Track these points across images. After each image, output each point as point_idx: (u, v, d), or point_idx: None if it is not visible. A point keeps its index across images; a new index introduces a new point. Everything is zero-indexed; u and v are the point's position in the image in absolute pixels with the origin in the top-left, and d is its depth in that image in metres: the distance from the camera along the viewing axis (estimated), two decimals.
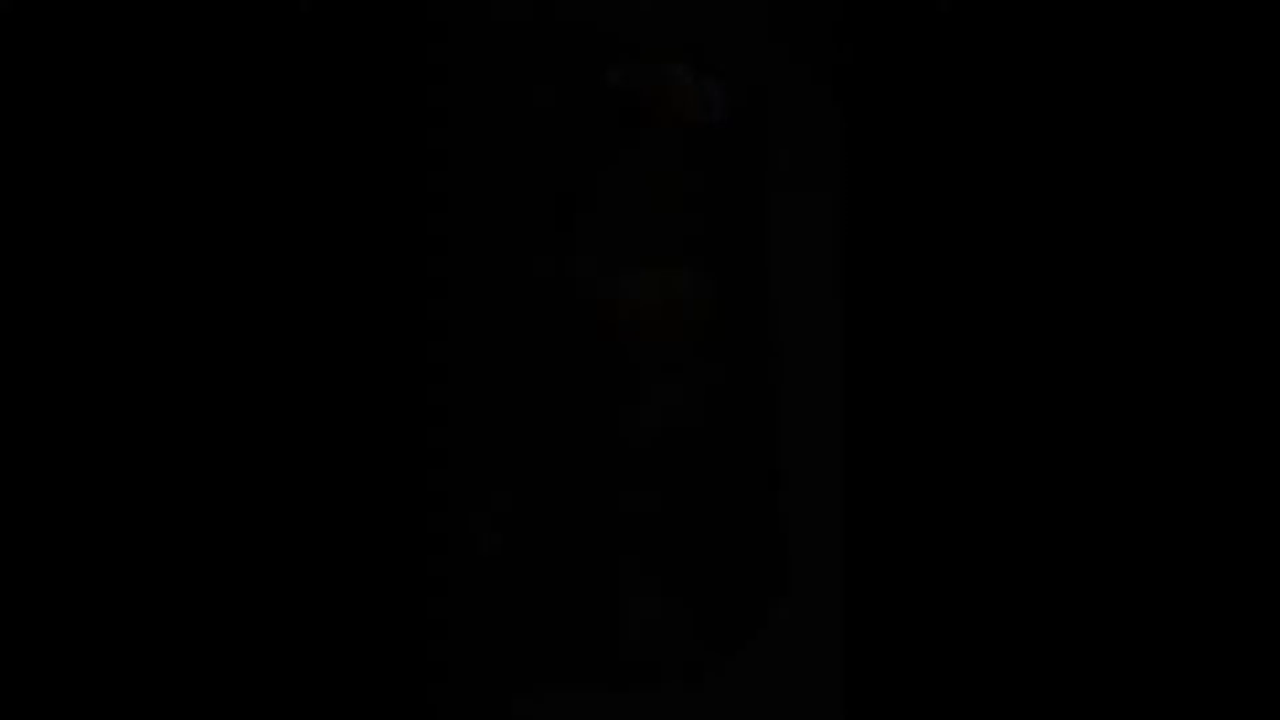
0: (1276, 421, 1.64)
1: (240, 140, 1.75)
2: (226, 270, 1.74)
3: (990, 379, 1.69)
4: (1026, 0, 1.68)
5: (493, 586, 1.87)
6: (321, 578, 1.75)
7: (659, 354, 1.88)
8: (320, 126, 1.77)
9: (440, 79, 1.83)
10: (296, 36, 1.76)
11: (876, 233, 1.72)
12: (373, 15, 1.78)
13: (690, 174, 1.89)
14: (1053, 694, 1.66)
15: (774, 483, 1.91)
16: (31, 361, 1.70)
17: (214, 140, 1.74)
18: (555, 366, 1.88)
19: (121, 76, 1.73)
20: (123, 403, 1.71)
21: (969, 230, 1.70)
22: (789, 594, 1.89)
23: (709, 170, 1.89)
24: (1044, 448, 1.67)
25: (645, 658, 1.86)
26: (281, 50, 1.75)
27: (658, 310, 1.87)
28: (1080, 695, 1.65)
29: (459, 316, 1.86)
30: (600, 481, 1.87)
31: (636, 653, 1.86)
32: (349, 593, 1.75)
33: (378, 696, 1.76)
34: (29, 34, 1.71)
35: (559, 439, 1.87)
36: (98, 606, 1.70)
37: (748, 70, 1.90)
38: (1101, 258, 1.67)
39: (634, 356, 1.87)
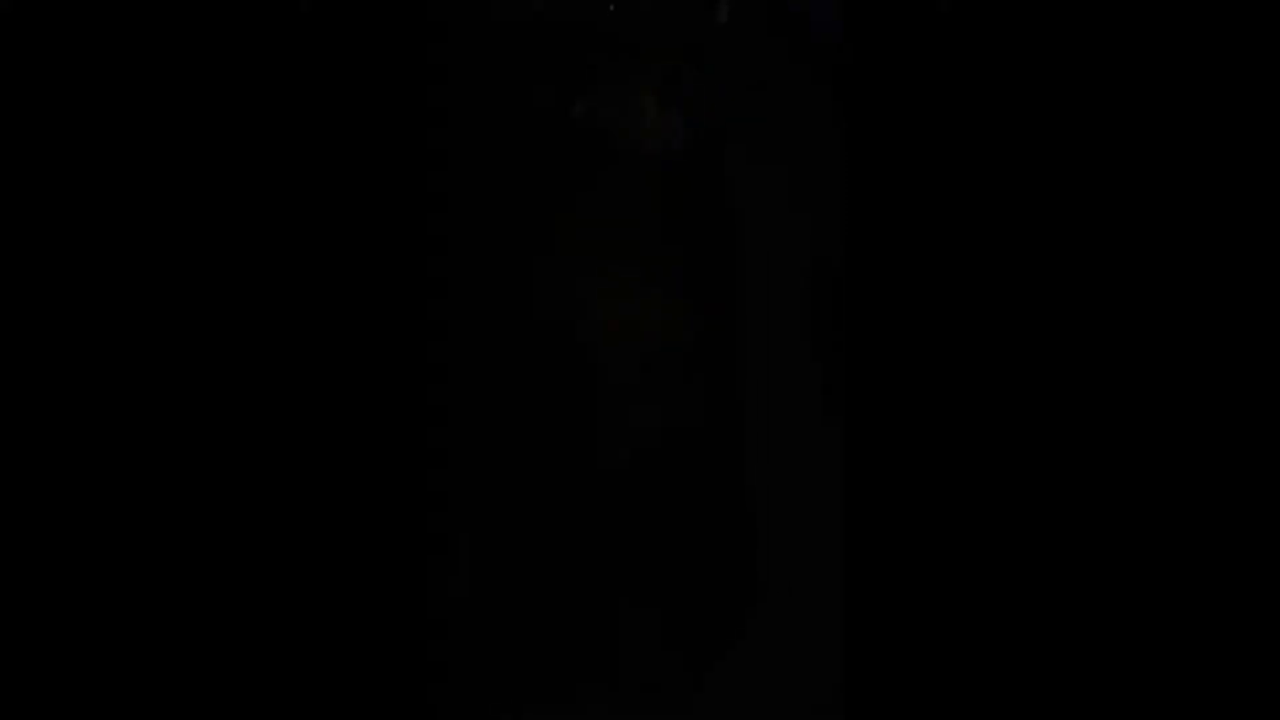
0: (1277, 421, 1.64)
1: (240, 140, 1.75)
2: (226, 270, 1.74)
3: (991, 377, 1.69)
4: (1026, 0, 1.68)
5: (481, 595, 1.87)
6: (320, 578, 1.75)
7: (639, 371, 1.89)
8: (320, 126, 1.77)
9: (440, 79, 1.83)
10: (296, 36, 1.76)
11: (877, 232, 1.72)
12: (373, 15, 1.78)
13: (656, 200, 1.90)
14: (1053, 695, 1.66)
15: (747, 498, 1.91)
16: (29, 360, 1.70)
17: (214, 140, 1.74)
18: (540, 380, 1.88)
19: (121, 76, 1.73)
20: (123, 402, 1.71)
21: (969, 229, 1.70)
22: (787, 601, 1.89)
23: (674, 196, 1.90)
24: (1042, 452, 1.67)
25: (625, 669, 1.87)
26: (281, 50, 1.75)
27: (633, 331, 1.88)
28: (1082, 697, 1.66)
29: (457, 316, 1.86)
30: (583, 495, 1.87)
31: (617, 664, 1.87)
32: (348, 592, 1.75)
33: (377, 696, 1.76)
34: (29, 34, 1.71)
35: (543, 452, 1.88)
36: (98, 606, 1.70)
37: (721, 91, 1.90)
38: (1101, 257, 1.67)
39: (615, 375, 1.88)
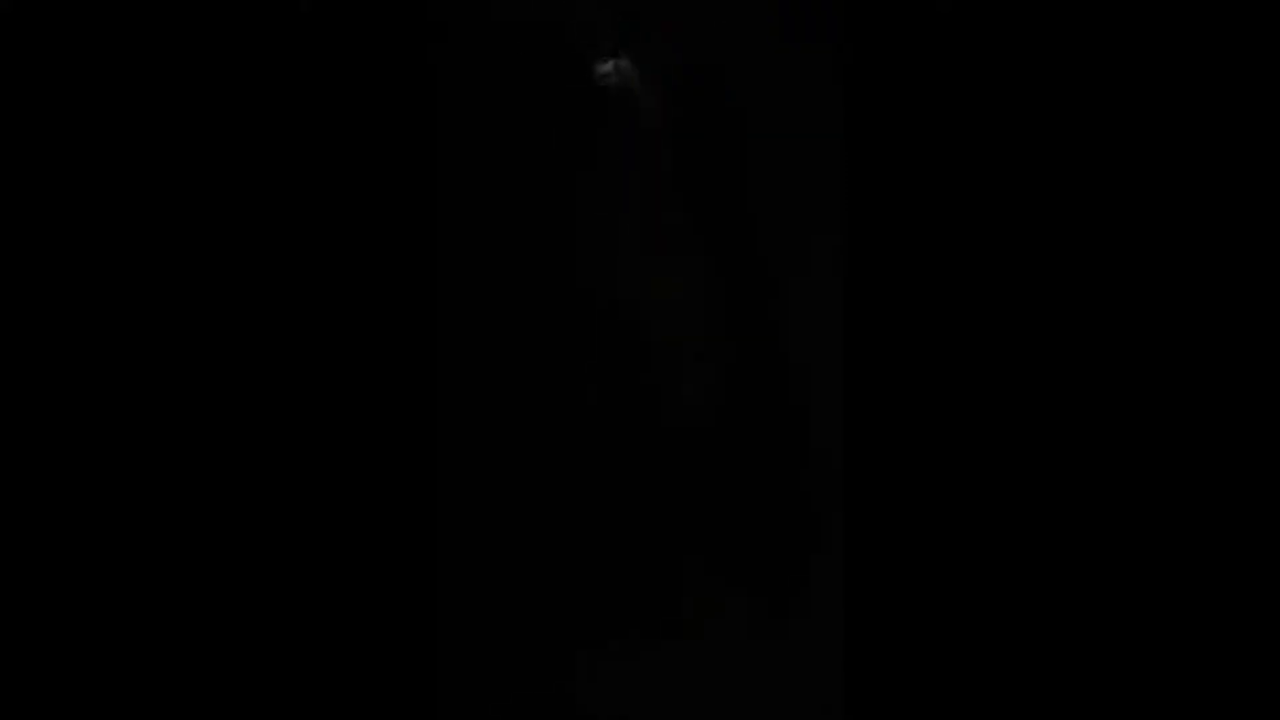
0: (1277, 421, 1.64)
1: (240, 140, 1.75)
2: (227, 270, 1.74)
3: (992, 377, 1.69)
4: (1026, 0, 1.69)
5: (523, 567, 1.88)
6: (326, 578, 1.75)
7: (676, 342, 1.90)
8: (320, 126, 1.77)
9: (440, 79, 1.83)
10: (296, 36, 1.76)
11: (879, 230, 1.72)
12: (373, 15, 1.78)
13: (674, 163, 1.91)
14: (1053, 695, 1.66)
15: (801, 458, 1.91)
16: (34, 362, 1.70)
17: (214, 140, 1.74)
18: (572, 358, 1.89)
19: (122, 76, 1.72)
20: (125, 403, 1.71)
21: (970, 228, 1.70)
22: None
23: (690, 167, 1.91)
24: (1046, 448, 1.68)
25: (689, 624, 1.88)
26: (281, 50, 1.75)
27: (666, 300, 1.89)
28: (1083, 698, 1.66)
29: (469, 315, 1.87)
30: (632, 465, 1.88)
31: (681, 619, 1.88)
32: (354, 592, 1.76)
33: (382, 697, 1.76)
34: (29, 34, 1.71)
35: (587, 428, 1.89)
36: (101, 608, 1.70)
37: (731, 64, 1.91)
38: (1102, 257, 1.67)
39: (651, 345, 1.89)
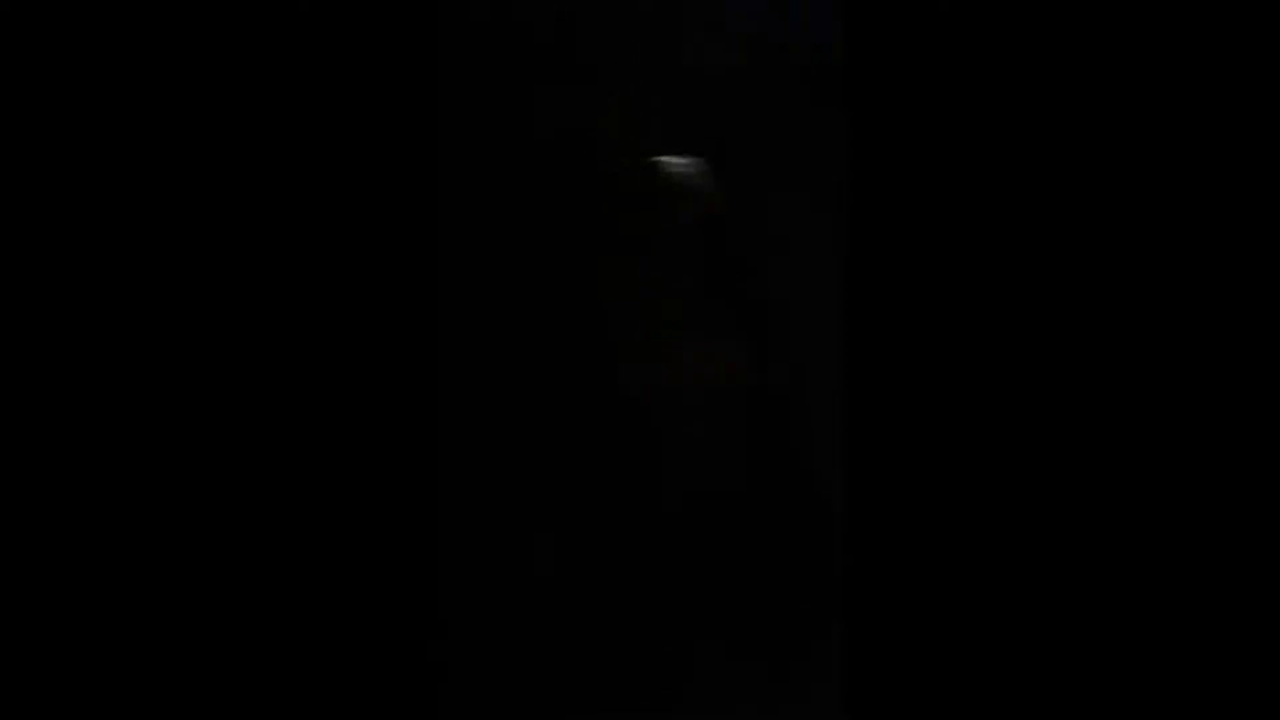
0: (1277, 421, 1.64)
1: (239, 140, 1.75)
2: (231, 272, 1.74)
3: (994, 380, 1.69)
4: (1026, 0, 1.69)
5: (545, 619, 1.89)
6: (332, 581, 1.74)
7: (695, 421, 1.91)
8: (319, 126, 1.77)
9: (440, 79, 1.84)
10: (296, 36, 1.76)
11: (881, 230, 1.72)
12: (373, 17, 1.78)
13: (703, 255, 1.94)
14: (1053, 695, 1.66)
15: (826, 526, 1.93)
16: (38, 363, 1.70)
17: (213, 140, 1.74)
18: (590, 438, 1.90)
19: (121, 76, 1.73)
20: (128, 405, 1.71)
21: (971, 228, 1.70)
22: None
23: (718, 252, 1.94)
24: (1050, 452, 1.67)
25: (704, 693, 1.88)
26: (281, 50, 1.76)
27: (693, 380, 1.91)
28: (1082, 698, 1.65)
29: (488, 390, 1.88)
30: (649, 538, 1.89)
31: (693, 687, 1.89)
32: (360, 597, 1.75)
33: (386, 701, 1.75)
34: (29, 34, 1.71)
35: (604, 497, 1.90)
36: (106, 606, 1.70)
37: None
38: (1103, 257, 1.68)
39: (670, 424, 1.91)
